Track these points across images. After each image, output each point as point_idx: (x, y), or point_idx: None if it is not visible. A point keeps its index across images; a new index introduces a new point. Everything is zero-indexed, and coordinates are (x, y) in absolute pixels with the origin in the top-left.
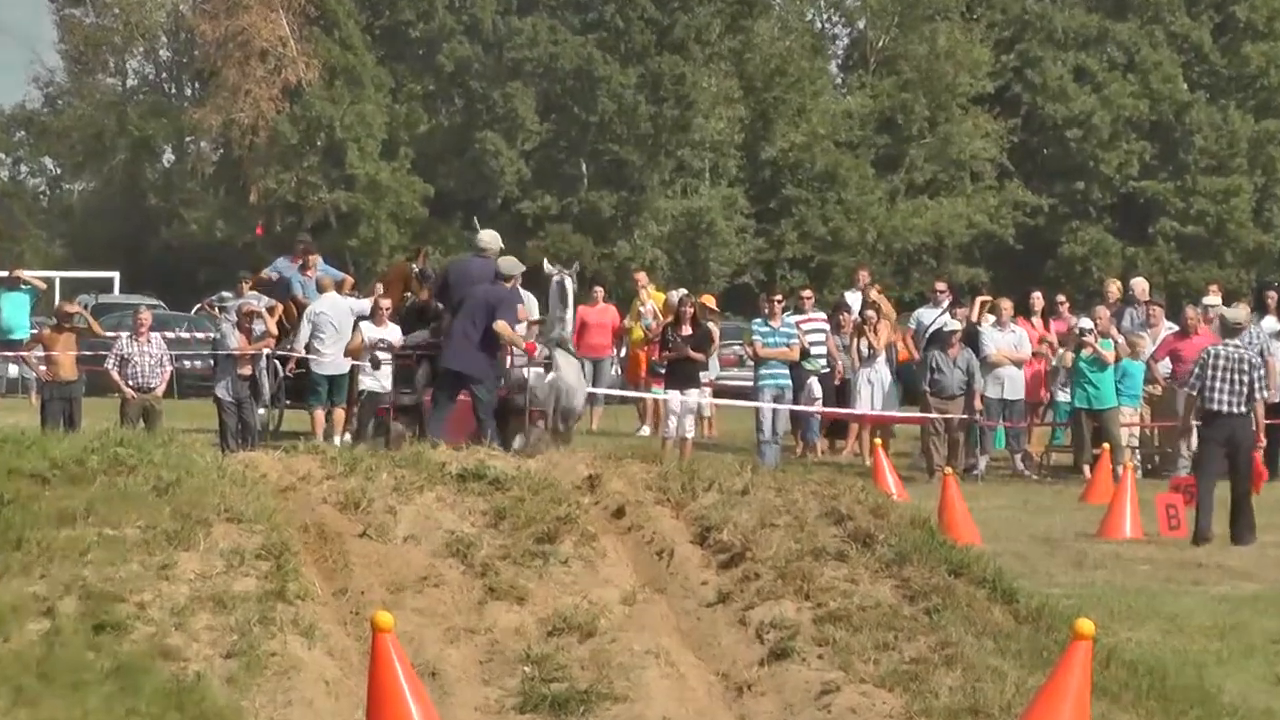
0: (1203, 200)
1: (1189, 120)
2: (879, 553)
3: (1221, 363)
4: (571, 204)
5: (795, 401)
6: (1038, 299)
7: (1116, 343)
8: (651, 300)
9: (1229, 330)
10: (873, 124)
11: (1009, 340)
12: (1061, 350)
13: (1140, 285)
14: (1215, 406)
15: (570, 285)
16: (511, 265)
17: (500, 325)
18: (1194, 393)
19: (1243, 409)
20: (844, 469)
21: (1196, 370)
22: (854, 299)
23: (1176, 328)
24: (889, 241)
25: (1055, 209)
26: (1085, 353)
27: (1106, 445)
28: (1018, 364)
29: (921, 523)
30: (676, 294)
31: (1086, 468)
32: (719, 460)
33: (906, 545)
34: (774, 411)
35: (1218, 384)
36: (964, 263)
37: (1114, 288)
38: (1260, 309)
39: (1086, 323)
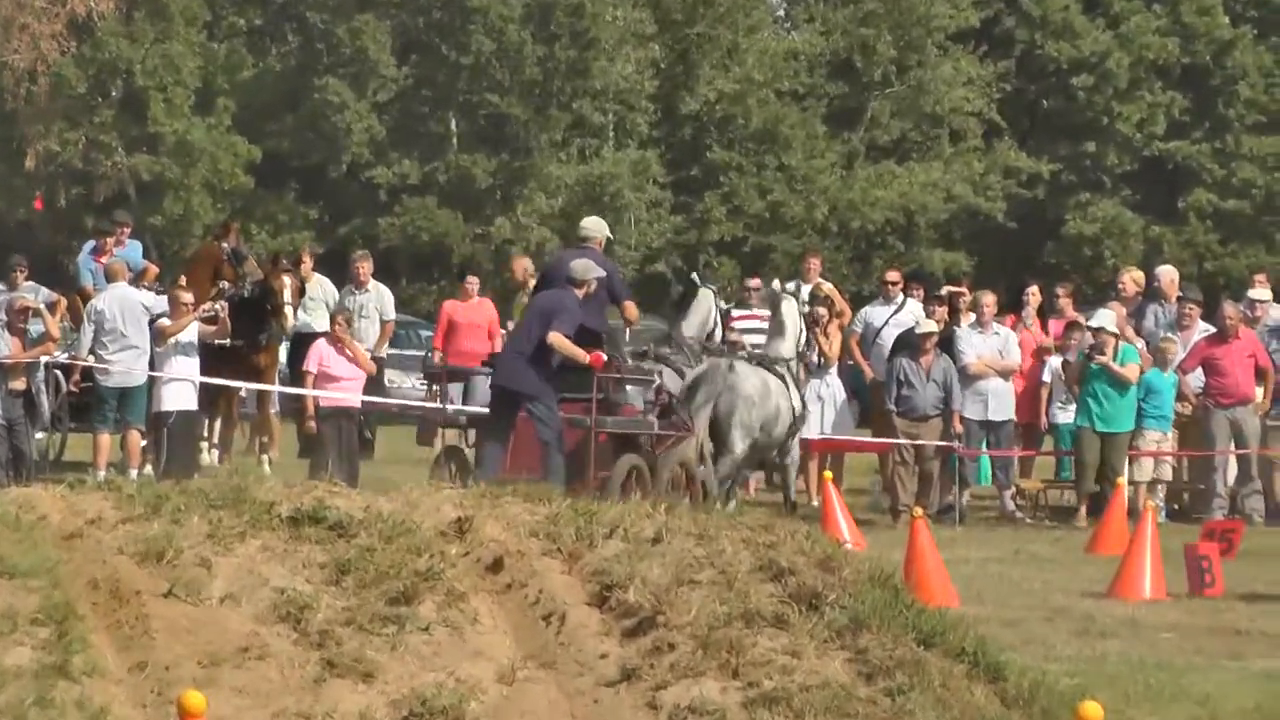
0: (1248, 167)
1: (1231, 64)
2: (828, 617)
3: None
4: (437, 170)
5: None
6: (1033, 293)
7: (1139, 351)
8: None
9: None
10: (824, 68)
11: (992, 345)
12: (1060, 357)
13: (1168, 275)
14: None
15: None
16: (585, 269)
17: (553, 336)
18: None
19: None
20: (785, 510)
21: None
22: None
23: (1212, 329)
24: (845, 219)
25: (1058, 177)
26: (1097, 362)
27: (1121, 481)
28: (1004, 375)
29: (883, 579)
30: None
31: (1084, 508)
32: (625, 499)
33: (863, 608)
34: None
35: None
36: (940, 246)
37: (1132, 278)
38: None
39: (1105, 317)
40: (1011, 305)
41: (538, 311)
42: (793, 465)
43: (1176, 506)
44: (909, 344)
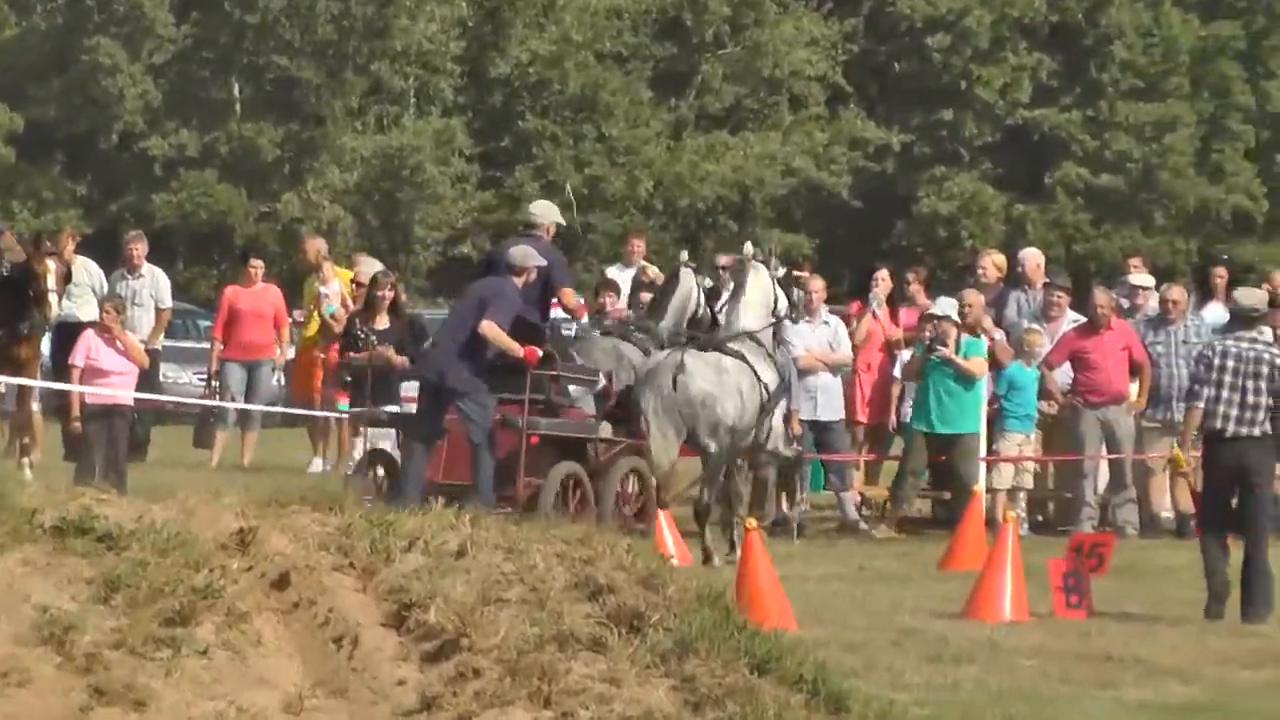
0: (1123, 137)
1: (1105, 22)
2: (651, 640)
3: (1230, 363)
4: (218, 141)
5: None
6: (882, 279)
7: (994, 342)
8: (337, 279)
9: (1243, 319)
10: (650, 27)
11: (821, 336)
12: (910, 351)
13: (1033, 259)
14: (1219, 425)
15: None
16: (524, 255)
17: (485, 325)
18: (1199, 404)
19: (1260, 430)
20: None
21: (1200, 371)
22: (623, 277)
23: (1082, 319)
24: (671, 196)
25: (910, 149)
26: (938, 355)
27: (978, 489)
28: (834, 370)
29: (713, 598)
30: (368, 267)
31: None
32: (427, 508)
33: (690, 630)
34: None
35: (1224, 394)
36: (779, 226)
37: (993, 262)
38: (1203, 292)
39: (946, 305)
40: (858, 291)
41: (473, 300)
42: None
43: (1040, 518)
44: None
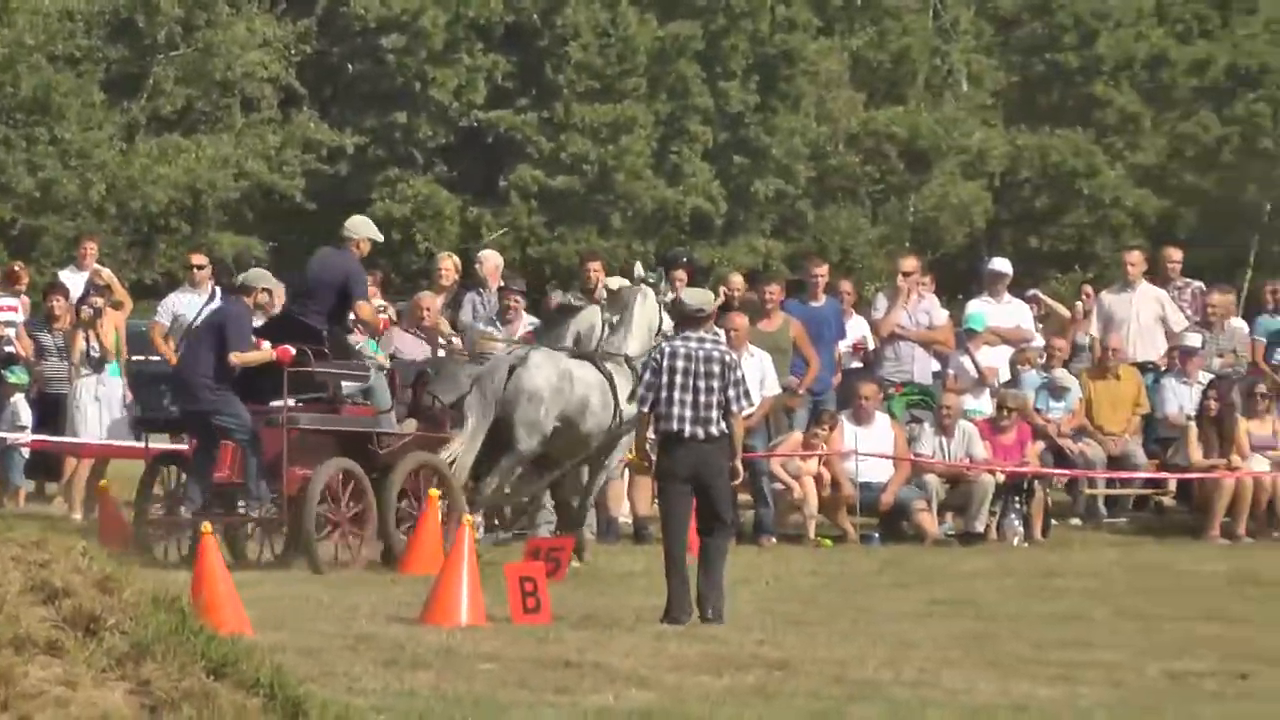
0: (579, 139)
1: (561, 23)
2: (108, 644)
3: (681, 364)
4: None
5: None
6: None
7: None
8: None
9: (690, 319)
10: (103, 29)
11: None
12: None
13: (490, 260)
14: (675, 427)
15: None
16: (254, 278)
17: (233, 359)
18: (645, 408)
19: (714, 431)
20: (59, 522)
21: (648, 376)
22: (75, 280)
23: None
24: (124, 199)
25: (366, 151)
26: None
27: (434, 494)
28: None
29: (169, 602)
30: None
31: None
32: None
33: (146, 634)
34: None
35: (677, 395)
36: (232, 228)
37: (450, 264)
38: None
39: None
40: None
41: (206, 327)
42: (601, 474)
43: (497, 522)
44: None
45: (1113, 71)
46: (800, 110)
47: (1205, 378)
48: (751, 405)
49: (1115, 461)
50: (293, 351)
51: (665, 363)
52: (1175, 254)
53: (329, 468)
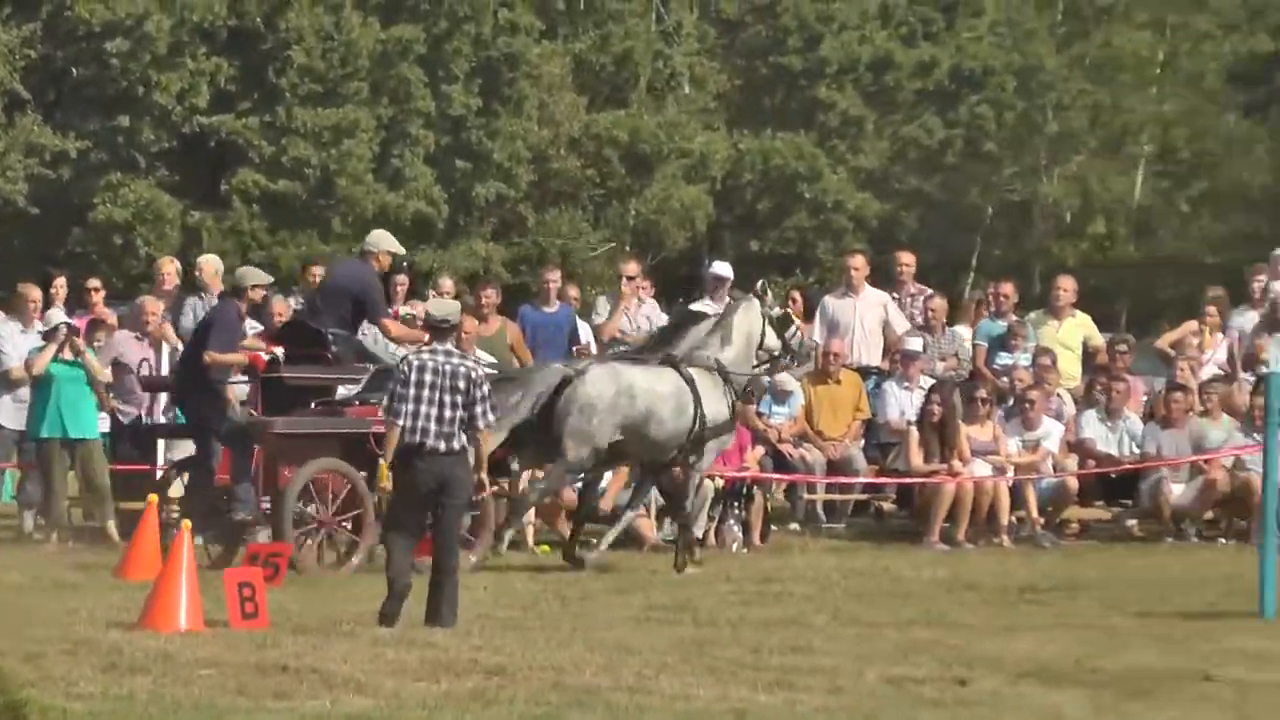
0: (301, 143)
1: (285, 27)
2: None
3: (428, 377)
4: None
5: None
6: (59, 286)
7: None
8: None
9: (436, 330)
10: None
11: None
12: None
13: (210, 266)
14: (418, 439)
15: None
16: (241, 275)
17: (206, 357)
18: (393, 418)
19: (455, 445)
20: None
21: (395, 387)
22: None
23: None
24: None
25: (87, 156)
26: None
27: (153, 498)
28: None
29: None
30: None
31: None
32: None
33: None
34: None
35: (421, 407)
36: None
37: (171, 269)
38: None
39: (56, 315)
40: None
41: (200, 327)
42: (695, 493)
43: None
44: None
45: (836, 75)
46: (522, 114)
47: (927, 382)
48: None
49: (835, 466)
50: (265, 358)
51: (412, 375)
52: (906, 257)
53: (311, 468)
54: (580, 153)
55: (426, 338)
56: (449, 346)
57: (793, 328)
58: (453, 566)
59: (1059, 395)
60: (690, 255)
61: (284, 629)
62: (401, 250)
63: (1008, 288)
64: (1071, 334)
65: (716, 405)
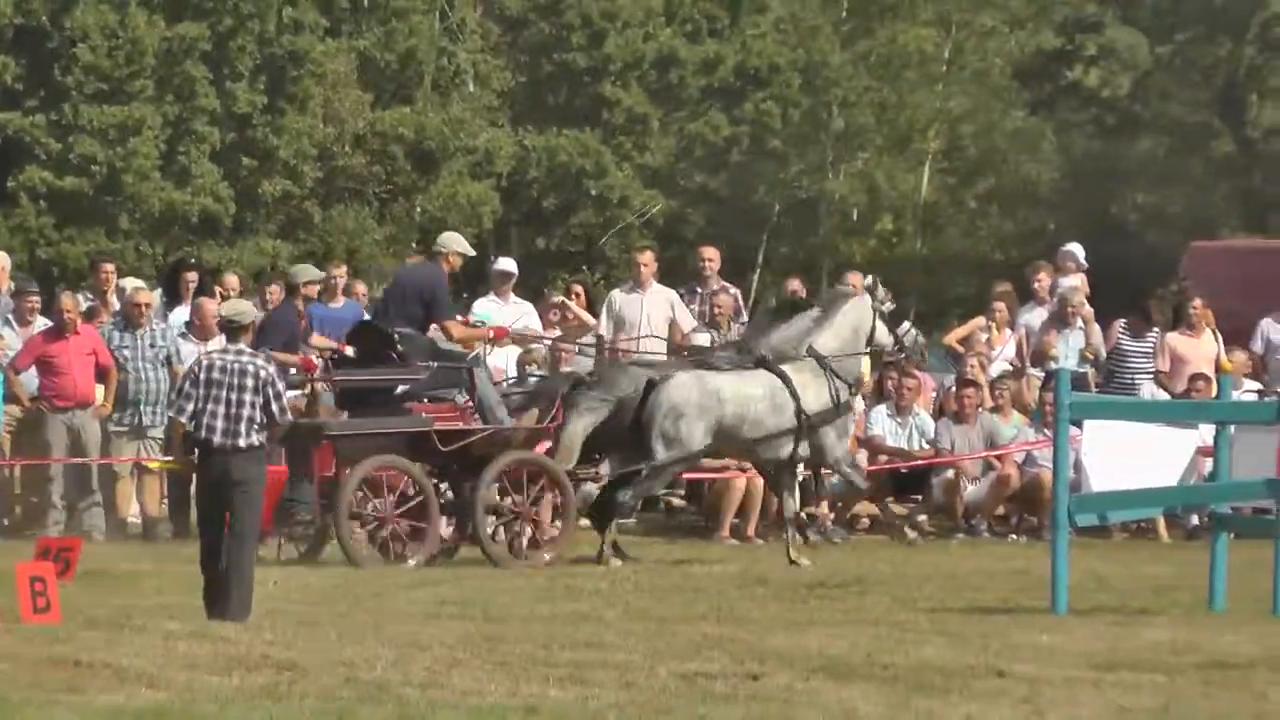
0: (89, 141)
1: (70, 24)
2: None
3: (216, 375)
4: None
5: None
6: None
7: None
8: None
9: (227, 330)
10: None
11: None
12: None
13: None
14: (205, 435)
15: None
16: (300, 272)
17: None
18: (182, 418)
19: (241, 443)
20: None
21: (186, 386)
22: None
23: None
24: None
25: None
26: None
27: None
28: None
29: None
30: None
31: None
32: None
33: None
34: None
35: (208, 405)
36: None
37: None
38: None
39: None
40: None
41: (260, 326)
42: (793, 480)
43: (7, 521)
44: None
45: (621, 72)
46: (308, 111)
47: None
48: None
49: None
50: (316, 363)
51: (201, 374)
52: (710, 252)
53: (367, 465)
54: (366, 150)
55: (490, 335)
56: (241, 346)
57: (906, 324)
58: (245, 561)
59: None
60: (476, 252)
61: (76, 623)
62: (471, 251)
63: (795, 284)
64: None
65: (818, 396)
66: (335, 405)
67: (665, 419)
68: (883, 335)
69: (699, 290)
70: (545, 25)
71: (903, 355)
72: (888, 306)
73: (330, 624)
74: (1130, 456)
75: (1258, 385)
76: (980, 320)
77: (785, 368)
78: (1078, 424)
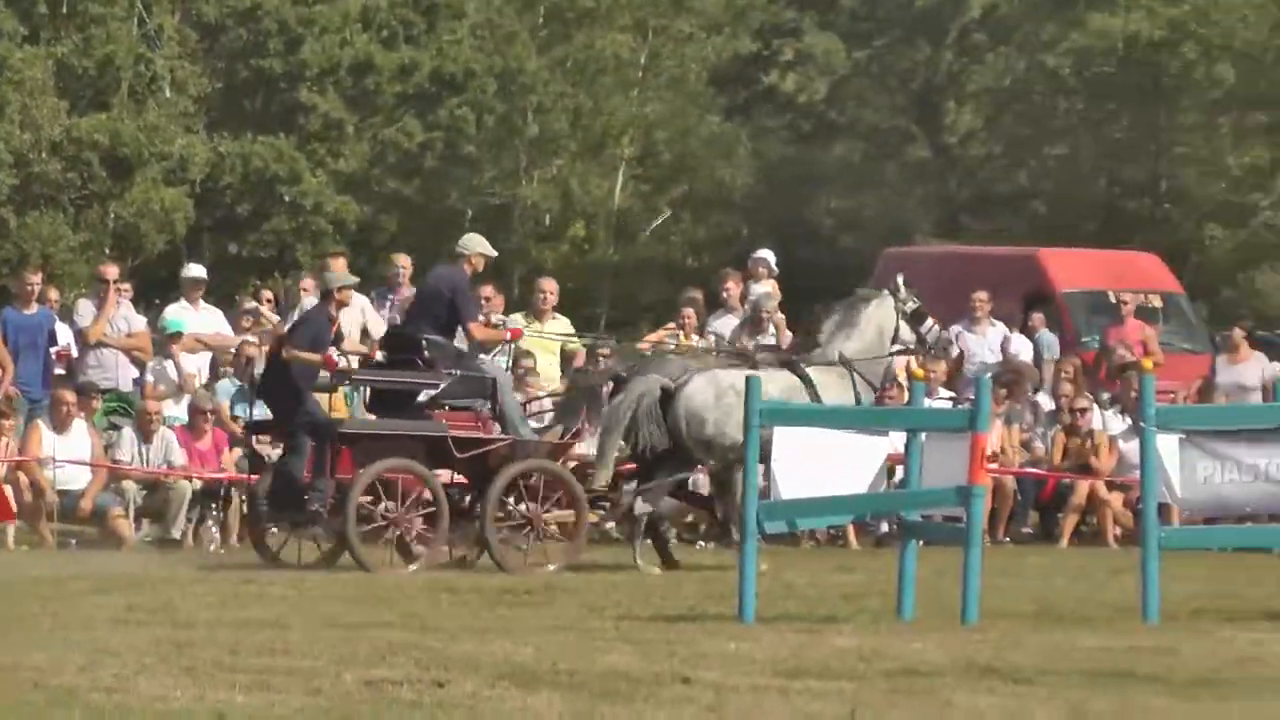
0: None
1: None
2: None
3: None
4: None
5: None
6: None
7: None
8: None
9: None
10: None
11: None
12: None
13: None
14: None
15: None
16: (328, 280)
17: (285, 354)
18: None
19: None
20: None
21: None
22: None
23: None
24: None
25: None
26: None
27: None
28: None
29: None
30: None
31: None
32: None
33: None
34: None
35: None
36: None
37: None
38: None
39: None
40: None
41: (292, 324)
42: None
43: None
44: None
45: (317, 77)
46: (4, 118)
47: None
48: None
49: None
50: (338, 362)
51: None
52: (403, 260)
53: (378, 466)
54: (62, 156)
55: (508, 336)
56: None
57: (928, 322)
58: None
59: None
60: (169, 258)
61: None
62: (494, 252)
63: (489, 290)
64: None
65: (840, 397)
66: (366, 410)
67: (690, 426)
68: (906, 334)
69: (391, 297)
70: (242, 31)
71: (928, 354)
72: (910, 306)
73: (16, 628)
74: (820, 463)
75: (950, 393)
76: (670, 327)
77: (811, 370)
78: None
